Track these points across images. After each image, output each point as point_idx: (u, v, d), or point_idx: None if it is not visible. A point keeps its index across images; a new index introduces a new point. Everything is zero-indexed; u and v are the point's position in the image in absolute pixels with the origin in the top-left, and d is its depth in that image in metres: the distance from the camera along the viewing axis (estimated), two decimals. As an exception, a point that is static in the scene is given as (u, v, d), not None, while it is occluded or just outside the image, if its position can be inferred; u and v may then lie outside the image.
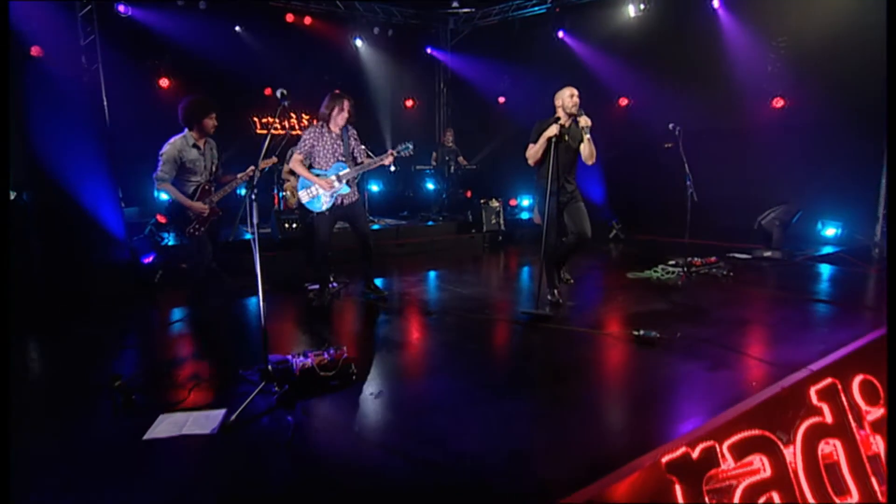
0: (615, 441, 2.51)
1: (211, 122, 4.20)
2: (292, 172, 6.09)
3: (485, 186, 9.72)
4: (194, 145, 4.22)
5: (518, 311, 4.41)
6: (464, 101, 11.34)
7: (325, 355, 3.18)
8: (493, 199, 8.45)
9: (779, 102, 8.31)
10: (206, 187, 4.29)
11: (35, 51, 6.81)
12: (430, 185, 9.98)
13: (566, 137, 4.39)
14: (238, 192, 10.32)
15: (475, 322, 4.31)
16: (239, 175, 4.43)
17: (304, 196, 4.80)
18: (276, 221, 6.83)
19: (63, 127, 5.21)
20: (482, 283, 5.85)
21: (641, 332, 3.66)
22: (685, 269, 5.75)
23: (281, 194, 6.12)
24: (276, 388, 2.95)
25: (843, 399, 2.40)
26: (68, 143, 5.12)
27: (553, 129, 4.22)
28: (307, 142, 4.67)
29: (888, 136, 3.90)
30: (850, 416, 2.38)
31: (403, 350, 3.81)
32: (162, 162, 4.11)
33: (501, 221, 8.44)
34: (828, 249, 7.40)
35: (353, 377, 3.17)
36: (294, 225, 6.69)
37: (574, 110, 4.31)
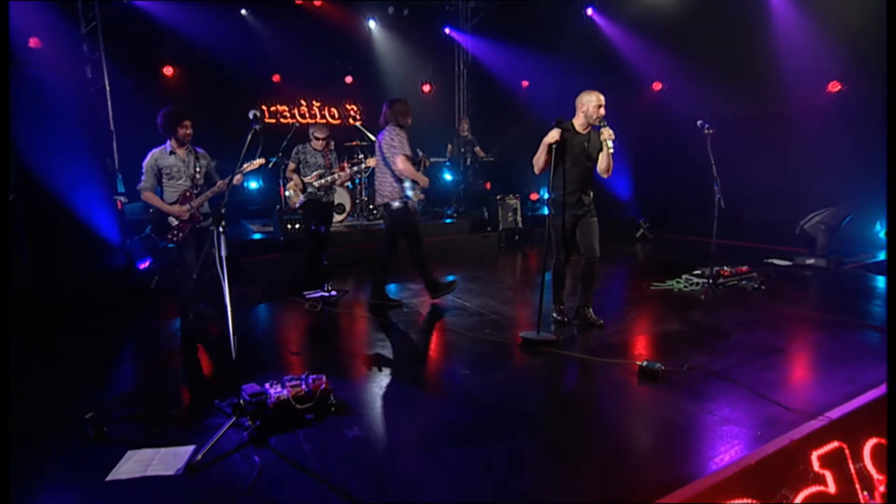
0: (592, 499, 2.47)
1: (183, 131, 4.44)
2: (297, 171, 6.14)
3: (504, 179, 9.61)
4: (172, 153, 4.50)
5: (521, 332, 4.35)
6: (484, 86, 11.17)
7: (303, 385, 3.21)
8: (511, 196, 8.35)
9: (835, 86, 7.87)
10: (188, 193, 4.53)
11: (33, 42, 7.01)
12: (448, 176, 9.93)
13: (586, 146, 4.26)
14: (245, 185, 10.36)
15: (473, 343, 4.29)
16: (219, 183, 4.59)
17: (415, 197, 5.18)
18: (278, 221, 6.92)
19: (58, 125, 5.34)
20: (489, 293, 5.80)
21: (645, 364, 3.57)
22: (710, 279, 5.55)
23: (287, 193, 6.19)
24: (249, 423, 3.01)
25: (851, 466, 2.29)
26: (62, 142, 5.26)
27: (553, 135, 4.11)
28: (405, 142, 4.95)
29: (888, 136, 3.91)
30: (857, 486, 2.27)
31: (390, 375, 3.82)
32: (143, 173, 4.44)
33: (519, 219, 8.35)
34: (885, 255, 7.04)
35: (332, 408, 3.20)
36: (297, 226, 6.75)
37: (597, 122, 4.19)
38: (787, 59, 7.88)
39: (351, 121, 10.79)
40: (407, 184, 5.01)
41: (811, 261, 6.62)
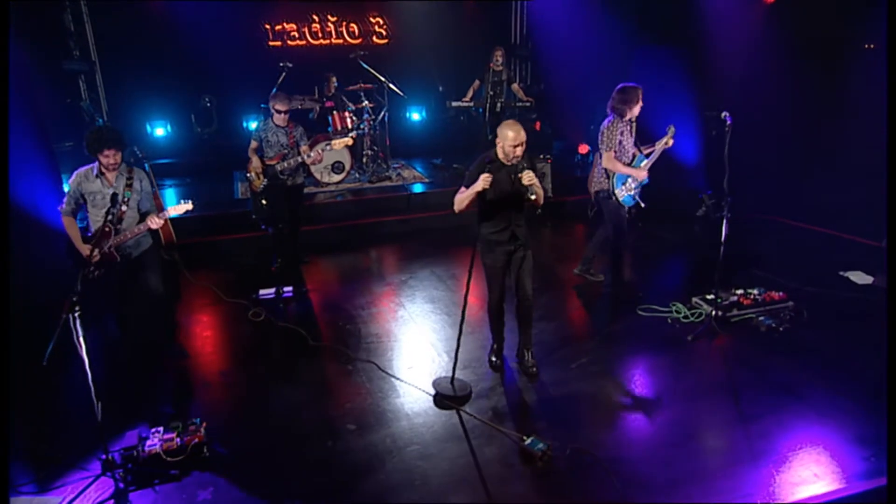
0: None
1: (105, 160, 4.92)
2: (256, 151, 7.12)
3: (555, 125, 9.79)
4: (98, 176, 5.03)
5: (436, 378, 5.14)
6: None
7: (178, 439, 4.35)
8: (539, 156, 8.65)
9: None
10: (107, 229, 5.03)
11: None
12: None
13: (512, 178, 4.76)
14: (246, 125, 11.46)
15: (385, 387, 5.13)
16: (143, 221, 5.09)
17: (621, 192, 6.27)
18: (252, 197, 8.00)
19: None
20: (448, 307, 6.47)
21: (527, 442, 4.24)
22: (715, 311, 5.74)
23: (248, 175, 7.24)
24: (120, 474, 4.25)
25: None
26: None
27: (482, 183, 4.61)
28: (614, 136, 6.09)
29: (888, 136, 3.96)
30: None
31: (276, 421, 4.76)
32: (66, 193, 5.06)
33: (549, 186, 8.70)
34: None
35: (203, 460, 4.31)
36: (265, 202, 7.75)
37: (514, 161, 4.67)
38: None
39: (375, 38, 11.36)
40: (616, 178, 6.15)
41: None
